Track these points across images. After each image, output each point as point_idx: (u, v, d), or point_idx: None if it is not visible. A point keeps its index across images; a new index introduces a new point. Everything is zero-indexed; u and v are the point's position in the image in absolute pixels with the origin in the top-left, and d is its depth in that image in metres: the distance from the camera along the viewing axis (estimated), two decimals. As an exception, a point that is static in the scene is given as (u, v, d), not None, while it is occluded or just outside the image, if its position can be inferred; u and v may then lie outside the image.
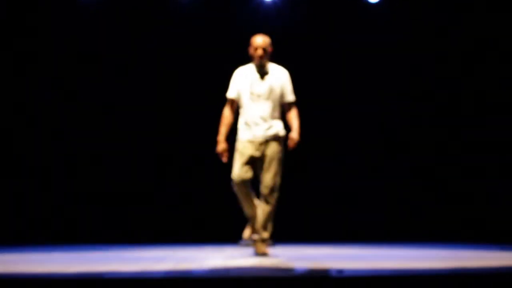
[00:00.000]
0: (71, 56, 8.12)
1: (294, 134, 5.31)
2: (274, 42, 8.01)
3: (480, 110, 8.12)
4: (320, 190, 8.38)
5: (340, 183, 8.42)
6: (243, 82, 5.40)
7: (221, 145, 5.33)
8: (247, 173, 5.26)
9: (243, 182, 5.26)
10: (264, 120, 5.31)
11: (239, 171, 5.26)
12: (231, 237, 7.08)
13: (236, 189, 5.29)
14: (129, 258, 4.83)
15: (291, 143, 5.30)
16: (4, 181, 8.12)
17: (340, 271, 3.32)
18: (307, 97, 8.40)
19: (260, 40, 5.39)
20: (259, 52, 5.34)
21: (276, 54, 8.21)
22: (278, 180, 5.32)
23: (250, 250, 5.78)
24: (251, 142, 5.30)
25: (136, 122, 8.29)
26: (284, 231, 7.38)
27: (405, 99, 8.52)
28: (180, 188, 8.01)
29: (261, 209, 5.31)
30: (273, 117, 5.35)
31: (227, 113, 5.45)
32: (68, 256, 5.07)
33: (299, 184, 8.35)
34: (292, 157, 8.29)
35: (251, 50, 5.40)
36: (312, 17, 8.46)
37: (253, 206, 5.31)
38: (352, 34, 8.50)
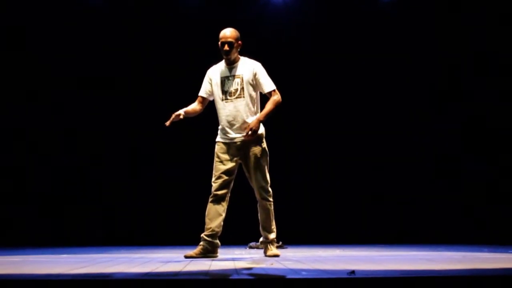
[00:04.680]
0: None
1: (253, 121, 4.95)
2: (283, 43, 8.01)
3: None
4: (330, 195, 8.34)
5: (350, 188, 8.38)
6: (214, 82, 5.10)
7: (177, 112, 5.04)
8: (222, 190, 5.02)
9: (216, 198, 5.03)
10: (240, 120, 5.01)
11: (214, 185, 5.04)
12: (240, 239, 7.05)
13: (210, 200, 5.07)
14: (137, 259, 4.78)
15: (246, 130, 4.94)
16: (9, 184, 8.14)
17: (351, 272, 3.26)
18: (312, 97, 8.46)
19: (224, 34, 5.02)
20: (224, 47, 5.00)
21: (285, 54, 8.26)
22: (266, 179, 5.09)
23: (259, 252, 5.72)
24: (228, 145, 5.06)
25: (136, 120, 8.31)
26: (294, 234, 7.36)
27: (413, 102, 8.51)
28: (188, 192, 8.00)
29: (261, 212, 5.16)
30: (249, 116, 5.02)
31: (195, 104, 5.18)
32: (76, 258, 5.02)
33: (310, 189, 8.32)
34: (305, 162, 8.35)
35: (219, 46, 5.07)
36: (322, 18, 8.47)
37: (214, 221, 5.00)
38: (361, 36, 8.49)
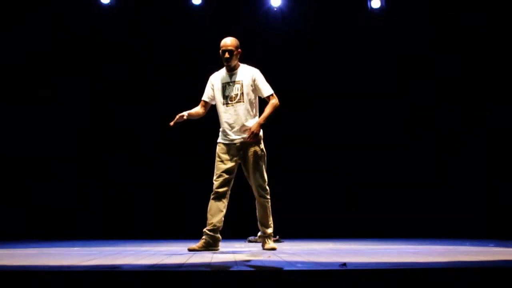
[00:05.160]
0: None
1: (254, 125, 5.00)
2: (282, 48, 8.02)
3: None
4: (324, 192, 8.36)
5: (342, 185, 8.40)
6: (216, 87, 5.16)
7: (182, 113, 5.10)
8: (223, 187, 5.06)
9: (217, 195, 5.07)
10: (239, 123, 5.06)
11: (216, 183, 5.07)
12: (240, 234, 7.07)
13: (211, 197, 5.11)
14: (143, 252, 4.80)
15: (248, 133, 4.99)
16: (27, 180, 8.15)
17: (343, 264, 3.28)
18: (308, 98, 8.48)
19: (224, 43, 5.08)
20: (225, 54, 5.06)
21: (282, 59, 8.28)
22: (264, 178, 5.13)
23: (257, 246, 5.75)
24: (229, 145, 5.11)
25: (142, 120, 8.33)
26: (290, 229, 7.39)
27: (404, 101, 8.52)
28: (191, 190, 8.02)
29: (259, 209, 5.20)
30: (248, 118, 5.08)
31: (198, 107, 5.24)
32: (87, 251, 5.04)
33: (305, 187, 8.34)
34: (301, 162, 8.36)
35: (220, 54, 5.13)
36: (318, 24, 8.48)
37: (216, 216, 5.05)
38: (356, 40, 8.51)
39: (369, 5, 8.45)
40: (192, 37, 8.36)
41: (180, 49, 8.38)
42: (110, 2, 8.30)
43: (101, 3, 8.32)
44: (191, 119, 5.23)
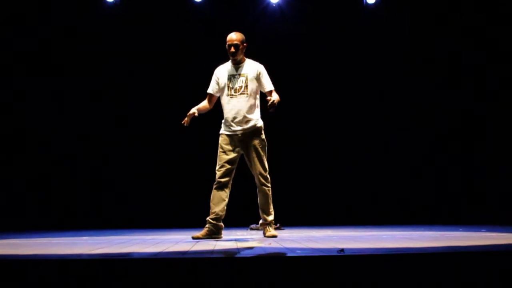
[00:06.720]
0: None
1: (276, 97, 4.93)
2: (279, 43, 7.99)
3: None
4: (323, 181, 8.36)
5: (340, 175, 8.41)
6: (221, 79, 5.15)
7: (191, 110, 5.08)
8: (225, 177, 5.05)
9: (220, 185, 5.06)
10: (242, 114, 5.06)
11: (218, 173, 5.07)
12: (242, 222, 7.08)
13: (214, 186, 5.10)
14: (149, 241, 4.81)
15: (269, 102, 4.86)
16: (35, 170, 8.14)
17: (341, 250, 3.29)
18: (306, 95, 8.46)
19: (231, 37, 5.09)
20: (231, 48, 5.07)
21: (280, 54, 8.25)
22: (265, 167, 5.12)
23: (259, 233, 5.76)
24: (231, 136, 5.10)
25: (149, 115, 8.33)
26: (291, 217, 7.40)
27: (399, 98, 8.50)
28: (194, 180, 8.01)
29: (260, 197, 5.20)
30: (250, 111, 5.08)
31: (205, 101, 5.23)
32: (95, 240, 5.05)
33: (305, 176, 8.34)
34: (299, 152, 8.36)
35: (227, 48, 5.13)
36: (315, 19, 8.45)
37: (218, 205, 5.04)
38: (353, 37, 8.48)
39: (364, 1, 8.41)
40: (194, 34, 8.33)
41: (182, 46, 8.35)
42: (114, 0, 8.25)
43: (106, 1, 8.28)
44: (201, 114, 5.20)
